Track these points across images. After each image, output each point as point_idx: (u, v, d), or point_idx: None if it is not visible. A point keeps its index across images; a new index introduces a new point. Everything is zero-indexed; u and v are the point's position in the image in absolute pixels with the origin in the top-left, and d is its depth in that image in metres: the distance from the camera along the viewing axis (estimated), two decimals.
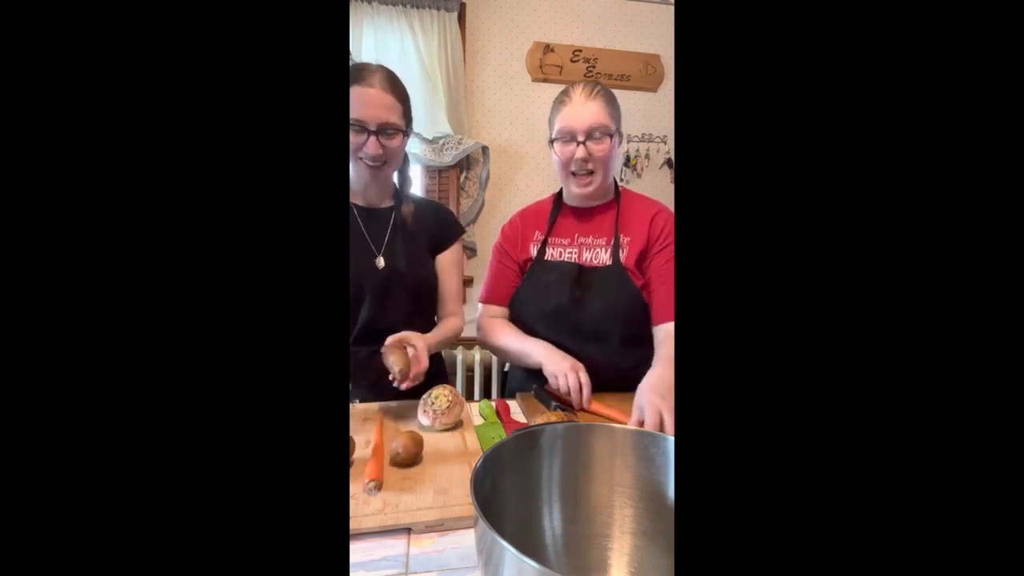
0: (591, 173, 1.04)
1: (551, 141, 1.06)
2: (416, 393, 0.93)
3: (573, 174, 1.04)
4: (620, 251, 1.07)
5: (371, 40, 2.13)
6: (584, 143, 1.01)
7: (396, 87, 0.99)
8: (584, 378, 0.93)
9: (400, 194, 1.11)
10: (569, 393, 0.92)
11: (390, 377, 0.86)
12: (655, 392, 0.85)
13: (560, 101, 1.05)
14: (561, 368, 0.94)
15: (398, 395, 1.02)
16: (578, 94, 1.03)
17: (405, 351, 0.88)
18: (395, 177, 1.11)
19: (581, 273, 1.06)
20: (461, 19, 2.22)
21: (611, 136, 1.02)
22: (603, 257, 1.07)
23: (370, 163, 0.99)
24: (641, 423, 0.81)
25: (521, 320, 1.12)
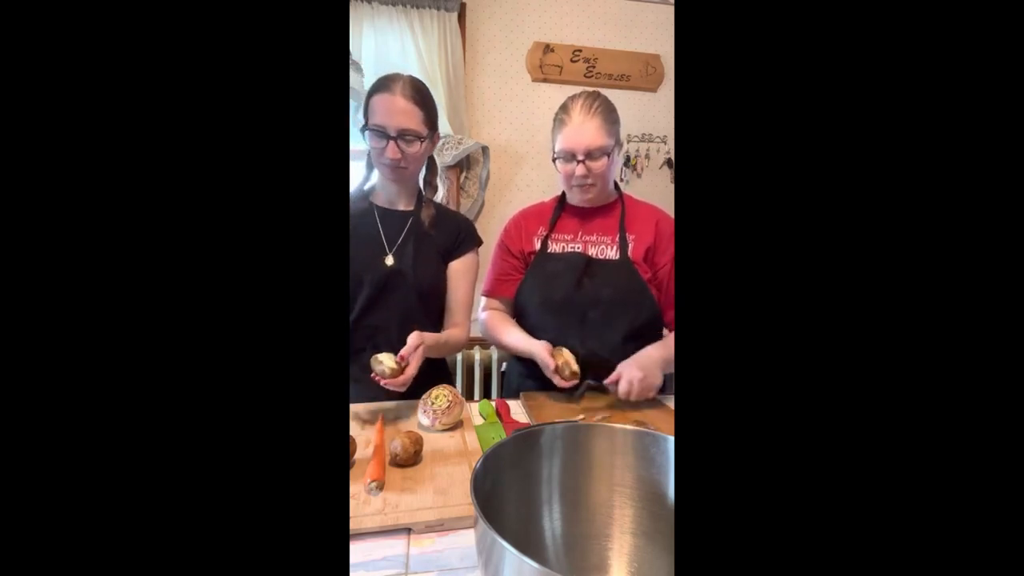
0: (592, 185, 1.09)
1: (553, 158, 1.11)
2: (416, 393, 0.93)
3: (576, 185, 1.10)
4: (627, 246, 1.11)
5: (371, 40, 2.12)
6: (584, 161, 1.05)
7: (419, 94, 1.01)
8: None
9: (422, 198, 1.12)
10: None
11: (372, 375, 0.87)
12: (636, 363, 0.99)
13: (560, 120, 1.08)
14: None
15: (397, 395, 1.02)
16: (577, 111, 1.05)
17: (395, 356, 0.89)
18: (420, 182, 1.13)
19: (589, 264, 1.10)
20: (461, 19, 2.22)
21: (609, 154, 1.07)
22: (609, 253, 1.12)
23: (390, 166, 1.02)
24: (615, 383, 0.97)
25: (526, 310, 1.14)
